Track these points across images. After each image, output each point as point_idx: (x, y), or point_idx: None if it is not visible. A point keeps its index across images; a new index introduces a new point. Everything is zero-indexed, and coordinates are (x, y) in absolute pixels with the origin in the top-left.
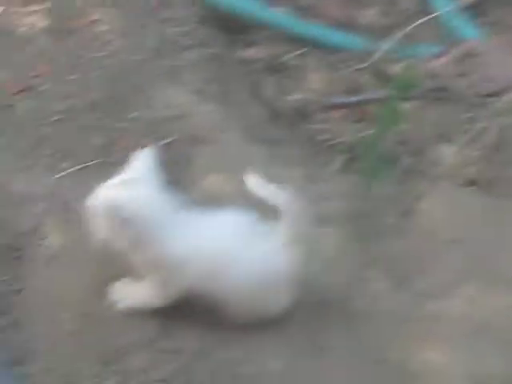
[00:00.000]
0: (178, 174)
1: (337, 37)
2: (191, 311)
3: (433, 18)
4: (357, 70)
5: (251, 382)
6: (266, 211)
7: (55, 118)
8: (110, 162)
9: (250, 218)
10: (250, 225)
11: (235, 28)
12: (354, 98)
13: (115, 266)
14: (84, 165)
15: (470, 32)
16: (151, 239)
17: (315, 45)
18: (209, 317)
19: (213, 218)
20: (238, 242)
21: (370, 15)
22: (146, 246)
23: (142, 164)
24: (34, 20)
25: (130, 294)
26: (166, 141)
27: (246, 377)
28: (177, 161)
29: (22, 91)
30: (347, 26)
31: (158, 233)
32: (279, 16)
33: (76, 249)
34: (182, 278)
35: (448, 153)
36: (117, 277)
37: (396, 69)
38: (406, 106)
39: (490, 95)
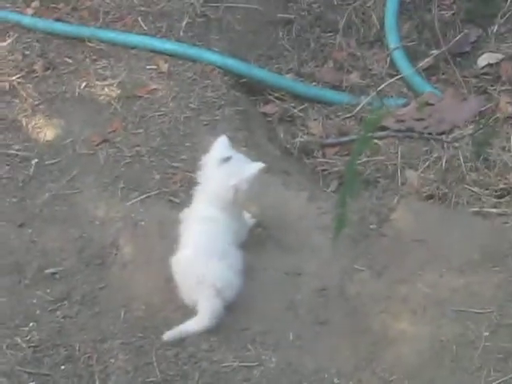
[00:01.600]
0: None
1: (330, 94)
2: None
3: (399, 78)
4: (345, 118)
5: (274, 347)
6: None
7: (127, 161)
8: (167, 192)
9: None
10: None
11: (256, 90)
12: (343, 139)
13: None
14: (148, 194)
15: (426, 87)
16: None
17: (314, 101)
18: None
19: None
20: None
21: (352, 78)
22: None
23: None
24: (109, 90)
25: None
26: None
27: (269, 344)
28: None
29: (102, 142)
30: (337, 86)
31: None
32: (288, 81)
33: (143, 257)
34: None
35: (413, 176)
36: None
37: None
38: (382, 142)
39: (441, 133)
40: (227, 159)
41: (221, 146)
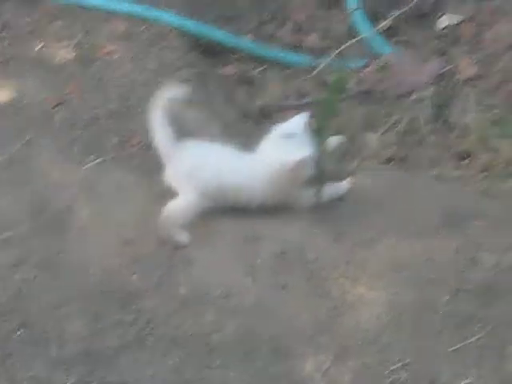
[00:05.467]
0: None
1: (289, 56)
2: None
3: (358, 39)
4: (304, 80)
5: (233, 312)
6: None
7: (83, 123)
8: (124, 156)
9: None
10: None
11: (215, 52)
12: (303, 101)
13: (128, 231)
14: (105, 158)
15: (386, 49)
16: None
17: (273, 62)
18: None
19: None
20: None
21: (312, 39)
22: None
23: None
24: (66, 52)
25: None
26: None
27: (228, 309)
28: None
29: (58, 105)
30: (296, 48)
31: None
32: (247, 42)
33: (99, 220)
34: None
35: (372, 138)
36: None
37: (332, 78)
38: (342, 105)
39: (401, 95)
40: (290, 135)
41: (296, 120)
